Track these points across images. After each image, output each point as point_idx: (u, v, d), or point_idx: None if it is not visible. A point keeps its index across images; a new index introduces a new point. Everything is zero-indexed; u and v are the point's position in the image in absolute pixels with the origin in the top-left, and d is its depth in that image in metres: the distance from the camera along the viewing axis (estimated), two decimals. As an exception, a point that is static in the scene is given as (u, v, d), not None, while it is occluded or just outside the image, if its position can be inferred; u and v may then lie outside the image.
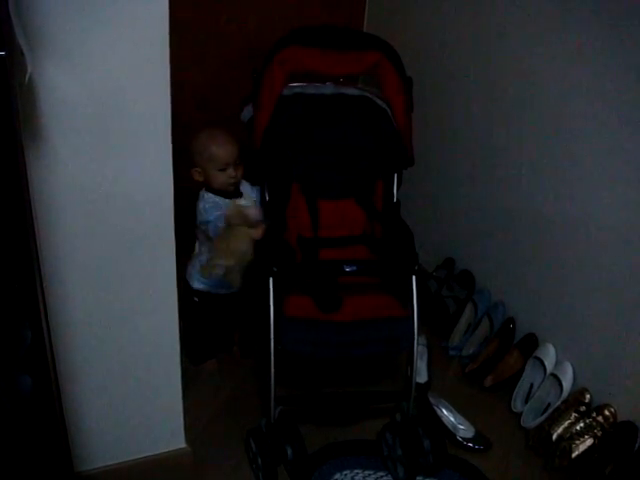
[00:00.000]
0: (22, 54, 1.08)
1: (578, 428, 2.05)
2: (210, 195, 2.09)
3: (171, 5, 1.40)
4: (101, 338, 1.71)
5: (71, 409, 1.73)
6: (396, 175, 2.12)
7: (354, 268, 1.89)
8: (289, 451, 1.90)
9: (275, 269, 1.83)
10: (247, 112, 2.09)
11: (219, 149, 2.05)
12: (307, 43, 2.00)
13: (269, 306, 1.83)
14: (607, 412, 2.05)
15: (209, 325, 2.34)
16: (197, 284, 2.21)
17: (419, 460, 1.95)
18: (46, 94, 1.36)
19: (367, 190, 2.20)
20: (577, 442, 2.03)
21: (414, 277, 1.90)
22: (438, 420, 2.17)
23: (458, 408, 2.23)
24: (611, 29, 1.92)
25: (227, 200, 2.10)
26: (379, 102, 2.11)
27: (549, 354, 2.28)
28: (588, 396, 2.12)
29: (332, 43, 2.02)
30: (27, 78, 1.11)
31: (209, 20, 2.86)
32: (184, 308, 2.08)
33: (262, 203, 2.08)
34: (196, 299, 2.23)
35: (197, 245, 2.20)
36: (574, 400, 2.13)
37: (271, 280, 1.83)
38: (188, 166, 2.08)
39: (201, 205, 2.07)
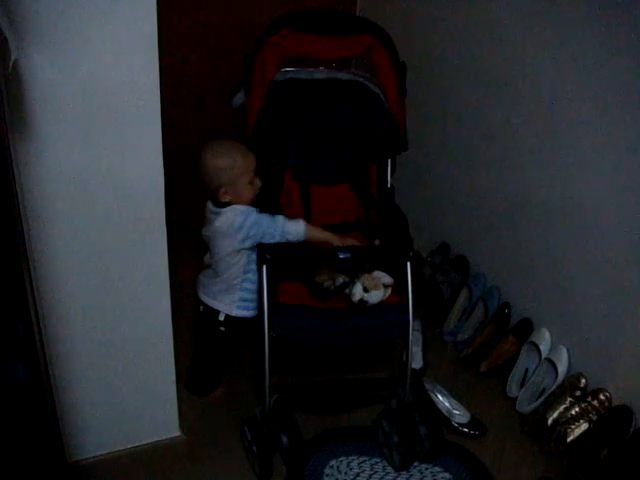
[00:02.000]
0: (6, 40, 1.06)
1: (573, 412, 2.05)
2: (250, 208, 1.86)
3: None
4: (94, 327, 1.70)
5: (64, 398, 1.73)
6: (390, 160, 2.10)
7: (348, 255, 1.87)
8: (284, 439, 1.89)
9: (268, 256, 1.82)
10: (239, 98, 2.06)
11: (246, 159, 1.87)
12: (299, 27, 1.96)
13: (262, 294, 1.82)
14: (602, 396, 2.05)
15: (234, 351, 2.19)
16: (239, 311, 1.98)
17: (415, 448, 1.96)
18: (34, 82, 1.35)
19: (361, 176, 2.18)
20: (572, 426, 2.03)
21: (409, 263, 1.89)
22: (433, 406, 2.17)
23: (453, 393, 2.23)
24: (601, 8, 1.91)
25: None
26: (372, 87, 2.09)
27: (544, 339, 2.28)
28: (583, 381, 2.12)
29: (325, 27, 1.99)
30: (11, 65, 1.09)
31: (201, 12, 2.84)
32: (195, 341, 2.06)
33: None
34: (222, 329, 2.00)
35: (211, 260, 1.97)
36: (569, 385, 2.13)
37: (264, 267, 1.82)
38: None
39: (247, 221, 1.82)
